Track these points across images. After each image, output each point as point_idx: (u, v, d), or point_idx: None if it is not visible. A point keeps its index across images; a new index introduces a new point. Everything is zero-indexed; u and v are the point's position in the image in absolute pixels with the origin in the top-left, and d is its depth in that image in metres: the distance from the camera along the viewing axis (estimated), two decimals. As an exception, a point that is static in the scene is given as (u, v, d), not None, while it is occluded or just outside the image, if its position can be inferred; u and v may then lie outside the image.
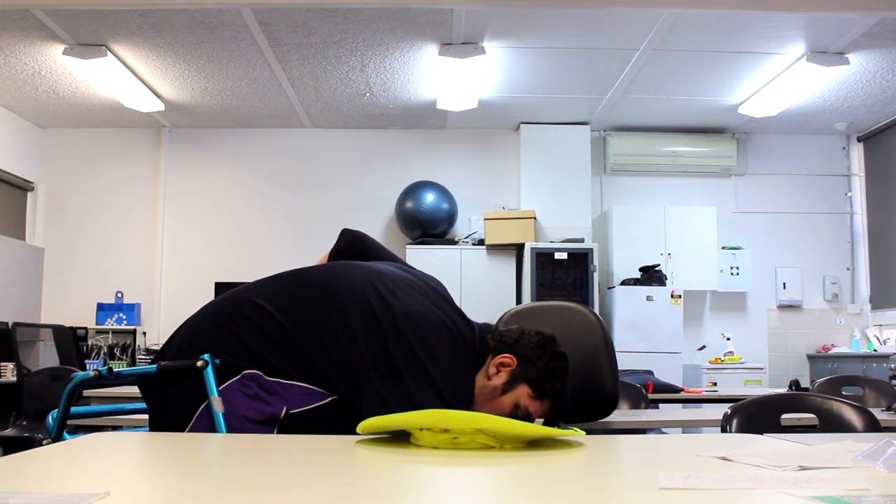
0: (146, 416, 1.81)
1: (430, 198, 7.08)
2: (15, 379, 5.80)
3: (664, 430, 3.59)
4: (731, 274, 7.34)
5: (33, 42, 5.47)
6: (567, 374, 1.82)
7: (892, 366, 6.30)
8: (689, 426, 4.31)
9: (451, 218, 7.22)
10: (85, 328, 7.00)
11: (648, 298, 6.74)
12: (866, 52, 5.57)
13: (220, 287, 6.49)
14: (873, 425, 2.00)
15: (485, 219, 7.07)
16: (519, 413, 1.74)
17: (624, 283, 6.87)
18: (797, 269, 7.59)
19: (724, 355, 7.07)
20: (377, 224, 7.38)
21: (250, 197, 7.47)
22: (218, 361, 1.65)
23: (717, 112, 7.05)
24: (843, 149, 7.74)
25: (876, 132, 7.40)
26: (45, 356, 6.47)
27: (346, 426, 1.54)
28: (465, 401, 1.74)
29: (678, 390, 4.55)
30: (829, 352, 7.35)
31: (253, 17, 5.06)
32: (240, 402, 1.62)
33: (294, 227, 7.38)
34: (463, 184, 7.40)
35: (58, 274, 7.34)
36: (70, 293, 7.30)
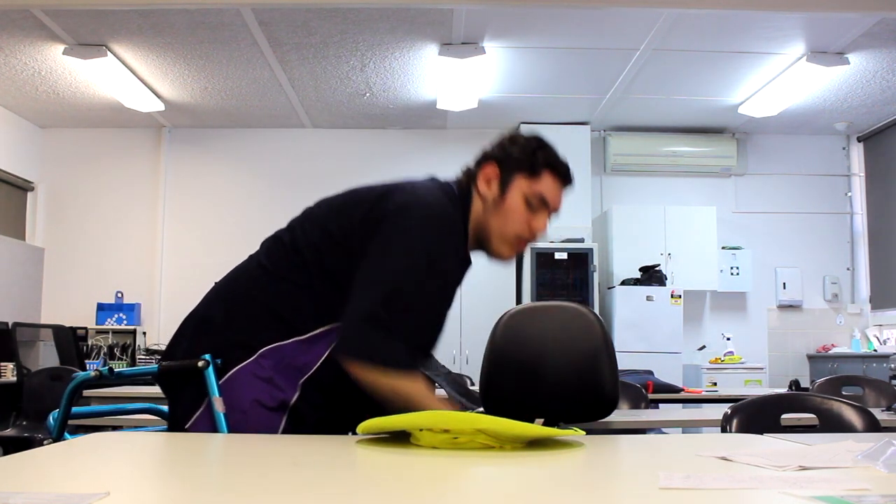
0: (146, 416, 1.82)
1: (430, 198, 7.07)
2: (15, 379, 5.80)
3: (664, 430, 3.59)
4: (731, 274, 7.33)
5: (33, 42, 5.47)
6: (548, 143, 1.78)
7: (892, 366, 6.30)
8: (689, 426, 4.31)
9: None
10: (85, 328, 7.00)
11: (648, 298, 6.74)
12: (866, 52, 5.57)
13: (220, 287, 6.47)
14: (873, 425, 2.00)
15: (485, 219, 7.06)
16: (534, 203, 1.71)
17: (624, 283, 6.87)
18: (797, 269, 7.59)
19: (724, 355, 7.07)
20: (377, 224, 7.37)
21: (250, 197, 7.46)
22: (219, 362, 1.65)
23: (717, 112, 7.05)
24: (843, 149, 7.74)
25: (876, 132, 7.40)
26: (45, 356, 6.47)
27: (349, 386, 1.57)
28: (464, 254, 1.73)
29: (678, 390, 4.55)
30: (829, 352, 7.35)
31: (253, 17, 5.06)
32: (254, 386, 1.63)
33: (294, 227, 7.37)
34: (463, 184, 7.38)
35: (58, 274, 7.33)
36: (70, 293, 7.30)
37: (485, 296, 6.85)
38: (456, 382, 2.89)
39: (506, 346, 2.63)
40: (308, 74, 6.13)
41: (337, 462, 1.27)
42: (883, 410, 3.13)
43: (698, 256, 7.09)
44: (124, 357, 7.02)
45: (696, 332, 7.37)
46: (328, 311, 1.63)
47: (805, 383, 5.33)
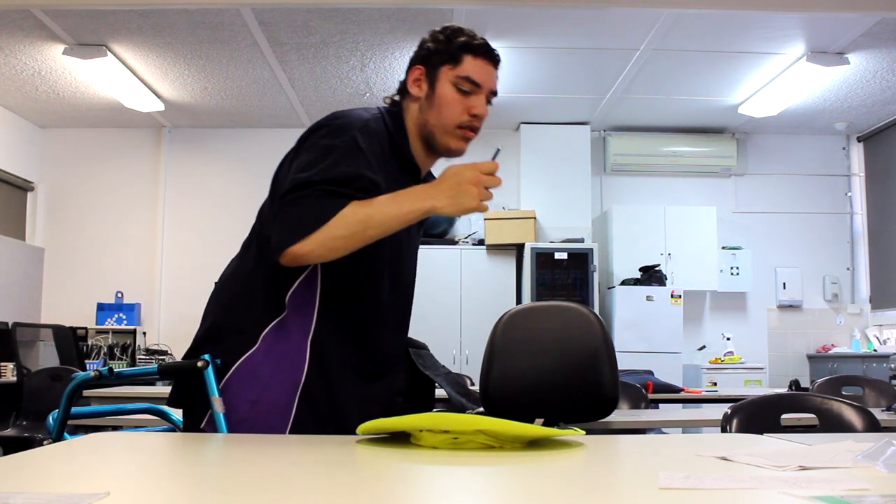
0: (146, 416, 1.82)
1: (430, 198, 7.07)
2: (15, 379, 5.80)
3: (664, 430, 3.59)
4: (731, 274, 7.33)
5: (33, 42, 5.47)
6: (462, 28, 1.79)
7: (892, 366, 6.30)
8: (689, 426, 4.31)
9: (451, 218, 7.22)
10: (85, 328, 7.00)
11: (648, 298, 6.74)
12: (866, 52, 5.57)
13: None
14: (873, 425, 2.00)
15: (485, 219, 7.06)
16: (464, 86, 1.73)
17: (624, 283, 6.87)
18: (797, 269, 7.59)
19: (724, 355, 7.07)
20: (377, 224, 7.37)
21: (250, 197, 7.39)
22: (219, 361, 1.66)
23: (717, 112, 7.05)
24: (843, 149, 7.74)
25: (876, 132, 7.40)
26: (45, 356, 6.47)
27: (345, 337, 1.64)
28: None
29: (678, 390, 4.55)
30: (829, 352, 7.35)
31: (253, 17, 5.06)
32: (264, 371, 1.65)
33: (294, 227, 7.36)
34: (463, 184, 7.38)
35: (58, 274, 7.33)
36: (70, 293, 7.30)
37: (485, 296, 6.86)
38: (456, 382, 2.89)
39: (506, 346, 2.63)
40: (308, 74, 6.13)
41: (337, 462, 1.27)
42: (883, 410, 3.13)
43: (698, 256, 7.09)
44: (124, 357, 7.02)
45: (696, 332, 7.37)
46: (296, 271, 1.66)
47: (805, 383, 5.33)
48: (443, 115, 1.75)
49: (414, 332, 2.02)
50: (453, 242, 7.16)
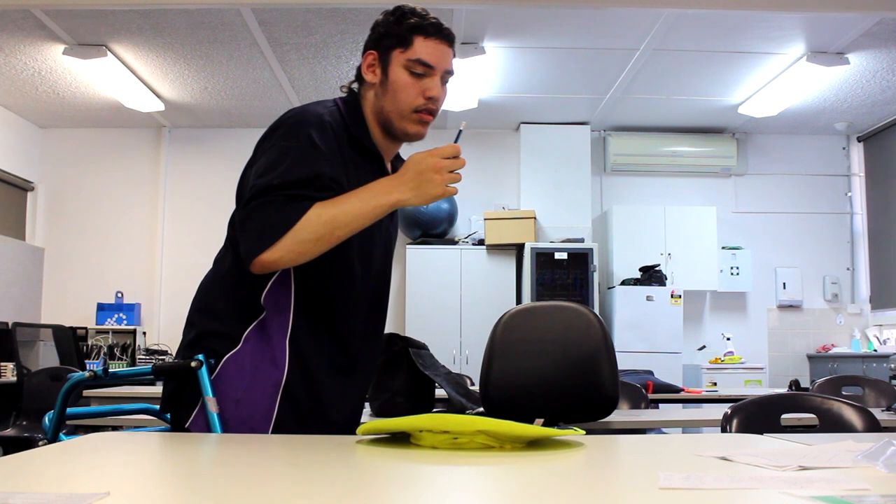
0: (146, 417, 1.82)
1: (429, 198, 7.06)
2: (15, 379, 5.80)
3: (664, 430, 3.59)
4: (731, 274, 7.34)
5: (33, 42, 5.47)
6: (412, 9, 1.74)
7: (892, 366, 6.30)
8: (689, 426, 4.31)
9: (450, 218, 7.22)
10: (85, 328, 7.00)
11: (648, 298, 6.74)
12: (866, 52, 5.57)
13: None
14: (873, 425, 2.00)
15: (485, 219, 7.07)
16: (417, 69, 1.70)
17: (624, 283, 6.87)
18: (797, 269, 7.59)
19: (724, 355, 7.07)
20: (377, 224, 7.38)
21: (250, 197, 7.45)
22: (212, 361, 1.66)
23: (717, 112, 7.05)
24: (843, 149, 7.74)
25: (876, 132, 7.40)
26: (45, 356, 6.47)
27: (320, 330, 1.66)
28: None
29: (678, 390, 4.55)
30: (829, 352, 7.35)
31: (253, 17, 5.06)
32: (247, 372, 1.66)
33: (294, 227, 7.36)
34: (463, 184, 7.33)
35: (58, 274, 7.33)
36: (70, 293, 7.30)
37: (485, 296, 6.86)
38: (456, 382, 2.90)
39: (506, 346, 2.63)
40: (308, 74, 6.13)
41: (337, 462, 1.27)
42: (883, 410, 3.13)
43: (698, 256, 7.09)
44: (124, 357, 7.02)
45: (696, 332, 7.37)
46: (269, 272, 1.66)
47: (805, 383, 5.33)
48: (398, 101, 1.71)
49: (414, 332, 2.02)
50: (453, 242, 7.16)
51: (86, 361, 6.51)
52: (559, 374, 2.57)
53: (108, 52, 5.60)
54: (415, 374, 2.72)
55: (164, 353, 6.91)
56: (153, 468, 1.23)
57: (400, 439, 1.40)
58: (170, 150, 7.53)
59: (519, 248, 7.03)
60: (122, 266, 7.39)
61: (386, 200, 1.59)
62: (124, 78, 6.05)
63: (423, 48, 1.70)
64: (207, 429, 1.63)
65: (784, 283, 7.56)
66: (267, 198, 1.56)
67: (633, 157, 7.53)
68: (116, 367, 3.84)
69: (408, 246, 7.02)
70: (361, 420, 1.69)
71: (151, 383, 4.40)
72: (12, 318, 6.33)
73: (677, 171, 7.59)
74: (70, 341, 6.16)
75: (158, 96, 6.58)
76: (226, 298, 1.72)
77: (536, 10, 5.00)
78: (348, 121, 1.73)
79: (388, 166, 1.85)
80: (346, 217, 1.57)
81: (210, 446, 1.48)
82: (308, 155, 1.61)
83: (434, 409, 2.88)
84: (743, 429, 2.04)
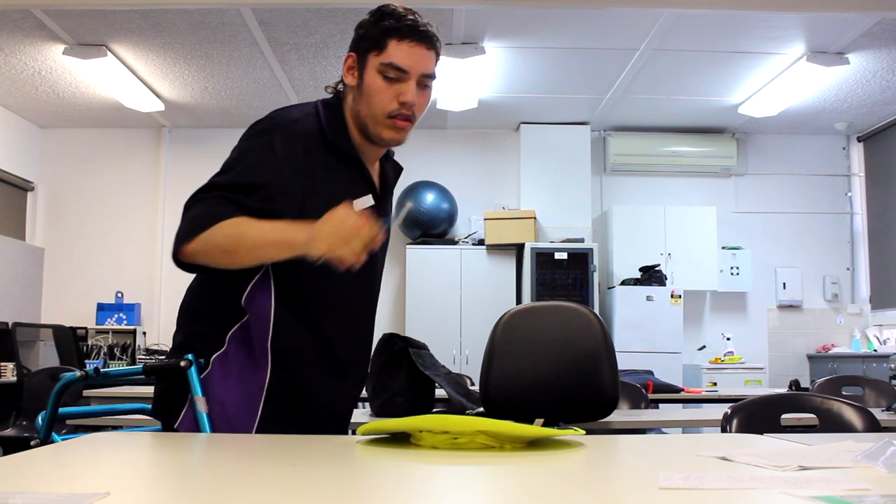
0: (144, 417, 1.82)
1: (429, 198, 7.08)
2: (15, 379, 5.80)
3: (664, 430, 3.59)
4: (731, 274, 7.33)
5: (33, 42, 5.47)
6: (390, 10, 1.67)
7: (892, 366, 6.30)
8: (689, 426, 4.31)
9: (451, 218, 7.22)
10: (85, 328, 7.00)
11: (648, 298, 6.74)
12: (866, 52, 5.57)
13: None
14: (873, 425, 2.00)
15: (485, 219, 7.07)
16: (391, 74, 1.65)
17: (624, 283, 6.87)
18: (797, 269, 7.59)
19: (724, 355, 7.07)
20: (377, 224, 7.37)
21: (250, 197, 7.44)
22: (202, 361, 1.67)
23: (717, 112, 7.05)
24: (843, 149, 7.74)
25: (876, 132, 7.40)
26: (45, 356, 6.47)
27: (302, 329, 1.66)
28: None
29: (678, 390, 4.55)
30: (829, 352, 7.35)
31: (253, 17, 5.06)
32: (231, 374, 1.67)
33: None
34: (463, 184, 7.40)
35: (58, 274, 7.33)
36: (70, 293, 7.30)
37: (485, 296, 6.86)
38: (456, 382, 2.90)
39: (506, 346, 2.63)
40: (308, 74, 6.13)
41: (337, 462, 1.27)
42: (883, 410, 3.13)
43: (698, 256, 7.09)
44: (124, 357, 7.02)
45: (696, 332, 7.37)
46: (248, 275, 1.67)
47: (805, 383, 5.32)
48: (371, 105, 1.68)
49: (414, 332, 2.02)
50: (453, 242, 7.16)
51: (86, 361, 6.51)
52: (559, 374, 2.57)
53: (108, 52, 5.60)
54: (415, 374, 2.72)
55: (165, 353, 6.91)
56: (152, 468, 1.23)
57: (400, 439, 1.40)
58: (170, 150, 7.54)
59: (519, 248, 7.03)
60: (122, 266, 7.39)
61: (289, 239, 1.52)
62: (124, 78, 6.04)
63: (396, 52, 1.65)
64: (196, 429, 1.63)
65: (784, 283, 7.56)
66: (207, 194, 1.59)
67: (633, 157, 7.53)
68: (117, 367, 3.84)
69: (408, 246, 7.02)
70: (361, 420, 1.69)
71: (144, 383, 4.39)
72: (12, 318, 6.33)
73: (677, 171, 7.58)
74: (70, 341, 6.15)
75: (158, 96, 6.58)
76: (209, 301, 1.73)
77: (536, 10, 5.00)
78: (326, 125, 1.70)
79: (373, 168, 1.81)
80: (251, 240, 1.54)
81: (209, 446, 1.48)
82: (261, 161, 1.61)
83: (434, 409, 2.88)
84: (743, 429, 2.04)
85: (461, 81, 6.10)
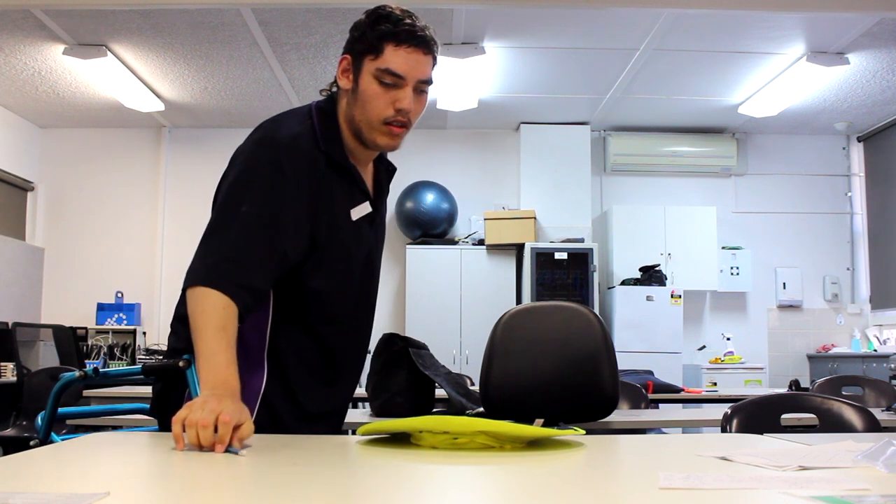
0: (144, 417, 1.82)
1: (429, 198, 7.08)
2: (15, 379, 5.80)
3: (664, 430, 3.59)
4: (731, 274, 7.34)
5: (33, 42, 5.47)
6: (387, 13, 1.62)
7: (892, 366, 6.30)
8: (689, 426, 4.31)
9: (450, 218, 7.22)
10: (85, 328, 7.00)
11: (648, 298, 6.74)
12: (866, 52, 5.57)
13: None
14: (873, 425, 2.00)
15: (485, 219, 7.07)
16: (386, 80, 1.61)
17: (624, 283, 6.87)
18: (797, 269, 7.59)
19: (724, 355, 7.07)
20: (377, 224, 7.38)
21: (250, 197, 7.44)
22: None
23: (717, 112, 7.05)
24: (843, 149, 7.74)
25: (876, 132, 7.40)
26: (45, 356, 6.47)
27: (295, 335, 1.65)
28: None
29: (678, 390, 4.55)
30: (829, 352, 7.35)
31: (253, 17, 5.06)
32: None
33: (294, 227, 7.36)
34: (463, 184, 7.40)
35: (58, 274, 7.33)
36: (70, 293, 7.30)
37: (485, 296, 6.86)
38: (456, 382, 2.90)
39: (506, 346, 2.63)
40: (308, 74, 6.13)
41: (337, 462, 1.27)
42: (883, 410, 3.13)
43: (698, 256, 7.09)
44: (124, 357, 7.02)
45: (696, 332, 7.37)
46: None
47: (805, 383, 5.32)
48: (367, 111, 1.64)
49: (414, 332, 2.02)
50: (453, 242, 7.16)
51: (86, 361, 6.50)
52: (559, 374, 2.57)
53: (108, 52, 5.60)
54: (415, 374, 2.72)
55: (164, 353, 6.91)
56: (152, 468, 1.23)
57: (400, 439, 1.40)
58: (170, 150, 7.53)
59: (519, 248, 7.03)
60: (122, 266, 7.39)
61: (202, 375, 1.46)
62: (124, 78, 6.04)
63: (393, 57, 1.60)
64: None
65: (784, 283, 7.56)
66: (237, 222, 1.58)
67: (633, 157, 7.53)
68: (117, 367, 3.83)
69: (408, 246, 7.02)
70: (361, 420, 1.69)
71: (143, 383, 4.39)
72: (12, 318, 6.33)
73: (677, 171, 7.59)
74: (70, 341, 6.15)
75: (158, 96, 6.58)
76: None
77: (536, 10, 5.00)
78: (319, 134, 1.67)
79: (366, 170, 1.79)
80: (196, 338, 1.49)
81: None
82: (273, 184, 1.60)
83: (434, 410, 2.88)
84: (743, 429, 2.03)
85: (461, 81, 6.09)
